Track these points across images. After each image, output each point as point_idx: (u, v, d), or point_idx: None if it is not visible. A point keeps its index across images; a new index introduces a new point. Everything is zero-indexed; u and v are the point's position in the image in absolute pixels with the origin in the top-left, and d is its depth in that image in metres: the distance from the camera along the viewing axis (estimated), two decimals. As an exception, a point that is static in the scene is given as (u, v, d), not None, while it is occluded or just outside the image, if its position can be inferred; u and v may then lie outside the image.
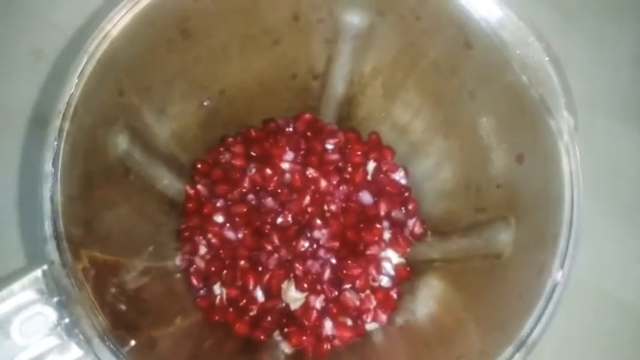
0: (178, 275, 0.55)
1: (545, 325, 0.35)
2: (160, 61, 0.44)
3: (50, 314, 0.33)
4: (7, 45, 0.70)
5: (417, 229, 0.57)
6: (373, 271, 0.56)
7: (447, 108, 0.49)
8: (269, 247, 0.56)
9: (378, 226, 0.57)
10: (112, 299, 0.38)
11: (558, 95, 0.38)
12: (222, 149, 0.59)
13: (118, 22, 0.37)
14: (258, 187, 0.58)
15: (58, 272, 0.34)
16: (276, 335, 0.55)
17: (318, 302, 0.55)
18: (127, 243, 0.45)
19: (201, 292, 0.55)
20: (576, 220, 0.36)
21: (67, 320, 0.33)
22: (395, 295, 0.56)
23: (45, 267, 0.34)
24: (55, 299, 0.33)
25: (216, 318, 0.54)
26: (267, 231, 0.56)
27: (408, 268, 0.57)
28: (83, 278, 0.35)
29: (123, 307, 0.39)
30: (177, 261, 0.55)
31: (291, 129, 0.60)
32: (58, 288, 0.33)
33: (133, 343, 0.35)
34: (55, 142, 0.35)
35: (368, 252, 0.56)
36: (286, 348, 0.54)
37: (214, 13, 0.43)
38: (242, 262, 0.55)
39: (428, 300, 0.53)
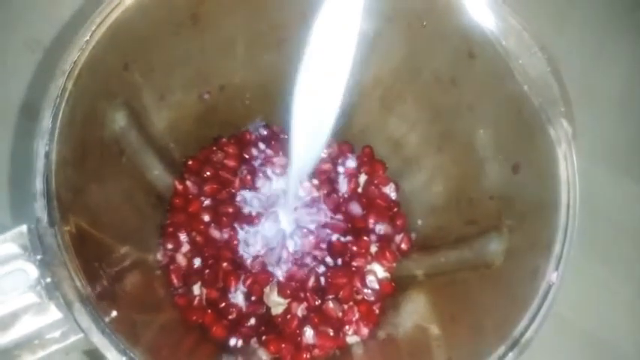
0: (158, 272, 0.53)
1: (539, 324, 0.34)
2: (167, 43, 0.44)
3: (32, 271, 0.31)
4: (2, 35, 0.69)
5: (404, 245, 0.57)
6: (358, 283, 0.55)
7: (444, 120, 0.50)
8: (254, 250, 0.55)
9: (365, 238, 0.57)
10: (94, 271, 0.36)
11: (558, 104, 0.39)
12: (215, 148, 0.58)
13: (133, -8, 0.37)
14: (248, 190, 0.57)
15: (44, 230, 0.32)
16: (254, 342, 0.53)
17: (300, 310, 0.53)
18: (113, 225, 0.44)
19: (180, 290, 0.53)
20: (571, 224, 0.37)
21: (48, 280, 0.31)
22: (377, 310, 0.55)
23: (31, 225, 0.32)
24: (39, 257, 0.32)
25: (194, 318, 0.52)
26: (253, 234, 0.55)
27: (392, 284, 0.56)
28: (69, 241, 0.33)
29: (104, 282, 0.37)
30: (159, 256, 0.53)
31: (286, 136, 0.60)
32: (42, 246, 0.32)
33: (114, 314, 0.34)
34: (57, 100, 0.35)
35: (354, 263, 0.55)
36: (264, 355, 0.52)
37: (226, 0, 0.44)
38: (225, 264, 0.54)
39: (412, 314, 0.52)
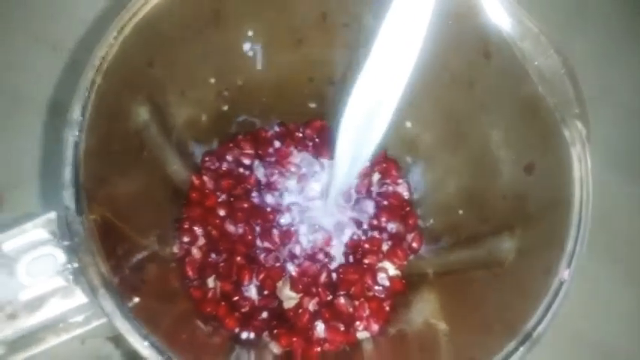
0: (174, 264, 0.54)
1: (550, 320, 0.35)
2: (190, 41, 0.45)
3: (59, 256, 0.32)
4: (26, 35, 0.70)
5: (416, 244, 0.58)
6: (369, 280, 0.56)
7: (459, 121, 0.51)
8: (268, 245, 0.55)
9: (377, 236, 0.58)
10: (117, 259, 0.37)
11: (572, 106, 0.40)
12: (231, 145, 0.59)
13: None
14: (262, 186, 0.58)
15: (72, 218, 0.33)
16: (265, 335, 0.54)
17: (311, 305, 0.54)
18: (133, 217, 0.45)
19: (195, 282, 0.54)
20: (584, 222, 0.37)
21: (75, 265, 0.32)
22: (387, 307, 0.56)
23: (60, 212, 0.34)
24: (66, 243, 0.33)
25: (208, 310, 0.53)
26: (267, 229, 0.56)
27: (403, 281, 0.57)
28: (95, 230, 0.35)
29: (126, 271, 0.38)
30: (175, 249, 0.54)
31: (300, 134, 0.61)
32: (70, 233, 0.33)
33: (137, 300, 0.35)
34: (86, 93, 0.36)
35: (365, 260, 0.56)
36: (275, 348, 0.53)
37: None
38: (239, 258, 0.55)
39: (423, 312, 0.53)
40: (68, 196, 0.34)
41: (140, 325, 0.33)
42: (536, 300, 0.36)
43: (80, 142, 0.35)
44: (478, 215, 0.50)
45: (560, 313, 0.37)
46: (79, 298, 0.33)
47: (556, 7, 0.73)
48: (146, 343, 0.33)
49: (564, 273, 0.36)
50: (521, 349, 0.35)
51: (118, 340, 0.34)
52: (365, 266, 0.56)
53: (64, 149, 0.35)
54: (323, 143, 0.61)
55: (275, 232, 0.56)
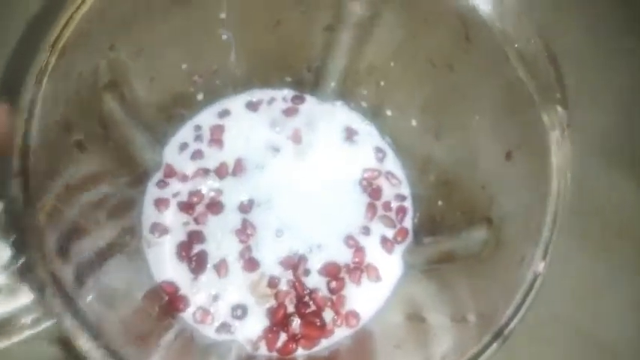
0: (144, 259, 0.52)
1: (523, 315, 0.34)
2: (157, 21, 0.43)
3: (4, 252, 0.30)
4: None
5: (399, 238, 0.56)
6: (348, 275, 0.54)
7: (439, 109, 0.49)
8: (245, 239, 0.54)
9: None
10: (72, 256, 0.35)
11: (553, 90, 0.38)
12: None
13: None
14: (237, 177, 0.56)
15: (20, 210, 0.31)
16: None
17: (287, 299, 0.52)
18: (95, 210, 0.43)
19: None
20: (561, 212, 0.36)
21: (21, 261, 0.30)
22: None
23: (6, 204, 0.31)
24: (12, 238, 0.31)
25: (180, 307, 0.51)
26: (243, 222, 0.54)
27: (382, 276, 0.55)
28: (46, 223, 0.32)
29: (83, 268, 0.36)
30: (146, 244, 0.52)
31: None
32: (17, 227, 0.31)
33: (90, 297, 0.33)
34: (39, 76, 0.34)
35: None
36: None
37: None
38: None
39: (402, 306, 0.51)
40: (16, 186, 0.32)
41: (92, 326, 0.31)
42: (510, 293, 0.35)
43: (30, 129, 0.33)
44: (458, 207, 0.48)
45: (545, 312, 0.35)
46: (26, 296, 0.31)
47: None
48: (97, 345, 0.31)
49: (539, 265, 0.34)
50: (494, 345, 0.33)
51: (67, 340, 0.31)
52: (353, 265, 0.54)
53: (14, 134, 0.32)
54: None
55: (248, 224, 0.54)
